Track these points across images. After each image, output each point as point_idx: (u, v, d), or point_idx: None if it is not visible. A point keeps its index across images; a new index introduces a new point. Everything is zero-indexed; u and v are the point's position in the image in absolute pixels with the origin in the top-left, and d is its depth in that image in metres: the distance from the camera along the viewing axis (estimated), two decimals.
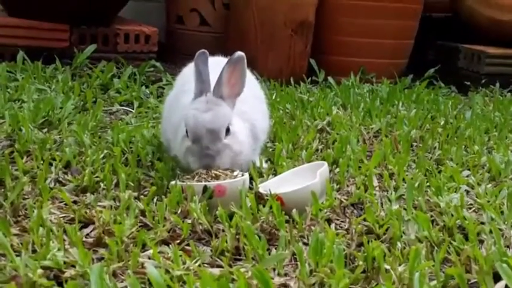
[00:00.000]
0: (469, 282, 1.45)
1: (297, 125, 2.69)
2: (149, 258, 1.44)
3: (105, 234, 1.54)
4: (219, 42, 4.10)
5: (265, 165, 2.15)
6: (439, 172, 2.25)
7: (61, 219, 1.64)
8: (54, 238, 1.47)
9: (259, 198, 1.80)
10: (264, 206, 1.73)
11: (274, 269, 1.45)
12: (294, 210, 1.70)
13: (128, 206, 1.69)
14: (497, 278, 1.40)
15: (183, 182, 1.78)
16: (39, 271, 1.30)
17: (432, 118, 3.18)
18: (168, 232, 1.60)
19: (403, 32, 4.33)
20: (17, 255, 1.36)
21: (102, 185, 1.89)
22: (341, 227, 1.77)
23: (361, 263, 1.44)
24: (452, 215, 1.79)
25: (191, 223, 1.63)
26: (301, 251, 1.43)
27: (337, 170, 2.19)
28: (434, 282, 1.40)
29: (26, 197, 1.76)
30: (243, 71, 1.93)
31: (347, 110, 3.23)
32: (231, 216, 1.66)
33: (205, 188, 1.73)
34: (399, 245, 1.60)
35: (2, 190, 1.78)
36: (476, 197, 2.03)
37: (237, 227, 1.60)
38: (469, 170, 2.33)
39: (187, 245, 1.54)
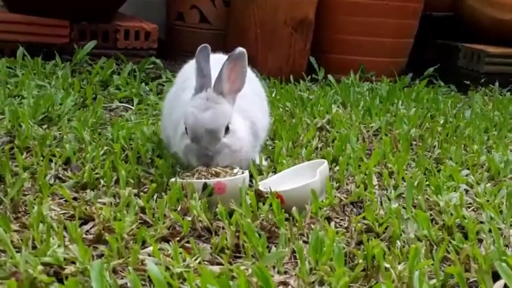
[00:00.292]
0: (468, 281, 1.45)
1: (296, 123, 2.69)
2: (149, 255, 1.44)
3: (105, 231, 1.54)
4: (219, 40, 4.09)
5: (265, 163, 2.15)
6: (439, 171, 2.26)
7: (61, 215, 1.64)
8: (54, 234, 1.47)
9: (259, 196, 1.81)
10: (264, 204, 1.73)
11: (274, 267, 1.45)
12: (294, 208, 1.71)
13: (128, 203, 1.69)
14: (496, 277, 1.41)
15: (183, 179, 1.78)
16: (40, 267, 1.30)
17: (432, 117, 3.18)
18: (168, 229, 1.60)
19: (403, 30, 4.33)
20: (17, 252, 1.36)
21: (102, 181, 1.89)
22: (341, 225, 1.77)
23: (360, 261, 1.45)
24: (451, 214, 1.79)
25: (191, 220, 1.63)
26: (301, 249, 1.43)
27: (337, 168, 2.19)
28: (434, 281, 1.41)
29: (26, 193, 1.76)
30: (243, 67, 1.93)
31: (347, 108, 3.23)
32: (231, 213, 1.67)
33: (205, 186, 1.73)
34: (399, 243, 1.60)
35: (2, 186, 1.78)
36: (476, 196, 2.03)
37: (237, 224, 1.60)
38: (468, 169, 2.33)
39: (187, 242, 1.55)
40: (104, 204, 1.73)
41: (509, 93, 4.16)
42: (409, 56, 4.46)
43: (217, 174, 1.81)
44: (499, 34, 4.44)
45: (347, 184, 2.09)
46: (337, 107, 3.19)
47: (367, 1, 4.14)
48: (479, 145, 2.64)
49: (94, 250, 1.47)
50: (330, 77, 3.96)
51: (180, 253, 1.44)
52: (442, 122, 3.06)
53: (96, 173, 1.95)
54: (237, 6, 4.02)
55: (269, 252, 1.50)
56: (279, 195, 1.76)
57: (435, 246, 1.61)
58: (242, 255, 1.51)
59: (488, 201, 1.97)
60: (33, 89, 2.85)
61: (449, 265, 1.54)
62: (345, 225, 1.76)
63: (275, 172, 2.08)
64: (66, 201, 1.74)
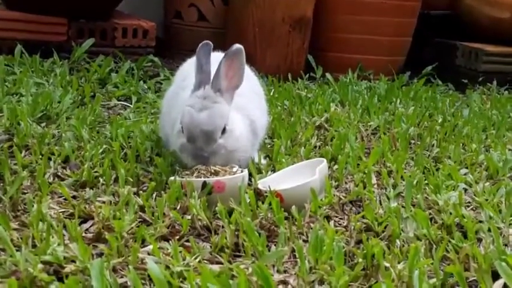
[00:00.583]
0: (468, 280, 1.46)
1: (295, 122, 2.70)
2: (149, 254, 1.44)
3: (104, 229, 1.54)
4: (218, 38, 4.06)
5: (264, 161, 2.15)
6: (437, 170, 2.26)
7: (60, 214, 1.64)
8: (54, 233, 1.47)
9: (259, 195, 1.81)
10: (263, 203, 1.73)
11: (273, 266, 1.45)
12: (293, 207, 1.71)
13: (127, 201, 1.69)
14: (495, 276, 1.41)
15: (182, 177, 1.78)
16: (40, 266, 1.30)
17: (430, 116, 3.18)
18: (168, 228, 1.60)
19: (401, 29, 4.33)
20: (17, 250, 1.36)
21: (101, 180, 1.89)
22: (340, 224, 1.77)
23: (360, 260, 1.45)
24: (450, 213, 1.80)
25: (190, 219, 1.63)
26: (301, 248, 1.43)
27: (336, 167, 2.20)
28: (434, 280, 1.41)
29: (25, 191, 1.76)
30: (241, 64, 1.92)
31: (345, 106, 3.23)
32: (230, 212, 1.67)
33: (204, 184, 1.73)
34: (398, 242, 1.61)
35: (1, 184, 1.78)
36: (475, 195, 2.04)
37: (236, 223, 1.60)
38: (467, 168, 2.34)
39: (187, 241, 1.55)
40: (103, 202, 1.73)
41: (507, 92, 4.17)
42: (407, 54, 4.47)
43: (216, 173, 1.81)
44: (497, 33, 4.45)
45: (346, 183, 2.09)
46: (336, 105, 3.19)
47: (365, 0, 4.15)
48: (478, 144, 2.64)
49: (94, 249, 1.47)
50: (328, 75, 3.96)
51: (180, 252, 1.44)
52: (440, 120, 3.06)
53: (95, 172, 1.95)
54: (236, 5, 4.02)
55: (269, 251, 1.50)
56: (279, 194, 1.76)
57: (434, 246, 1.62)
58: (242, 254, 1.51)
59: (487, 200, 1.97)
60: (31, 86, 2.85)
61: (449, 264, 1.54)
62: (344, 224, 1.76)
63: (274, 171, 2.08)
64: (65, 199, 1.74)
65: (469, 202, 2.00)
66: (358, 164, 2.22)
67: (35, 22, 3.52)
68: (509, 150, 2.63)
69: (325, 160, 1.98)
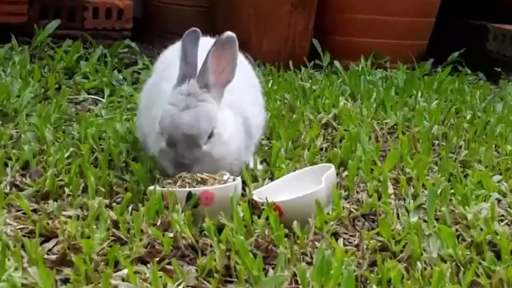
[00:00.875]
0: None
1: (297, 119, 2.69)
2: (123, 279, 1.44)
3: (70, 250, 1.53)
4: (205, 19, 4.08)
5: (260, 167, 2.14)
6: (466, 177, 2.26)
7: (18, 231, 1.62)
8: (10, 255, 1.46)
9: (254, 208, 1.80)
10: (259, 217, 1.72)
11: None
12: (295, 223, 1.70)
13: (97, 215, 1.68)
14: None
15: (164, 187, 1.77)
16: None
17: (457, 111, 3.19)
18: (146, 248, 1.59)
19: (422, 8, 4.34)
20: None
21: (67, 190, 1.88)
22: (350, 243, 1.77)
23: (374, 286, 1.44)
24: (481, 229, 1.79)
25: (173, 237, 1.62)
26: (304, 272, 1.42)
27: (345, 173, 2.19)
28: None
29: None
30: (233, 55, 1.92)
31: (356, 101, 3.24)
32: (220, 229, 1.66)
33: (189, 195, 1.72)
34: (419, 265, 1.60)
35: None
36: (510, 208, 2.03)
37: (227, 242, 1.59)
38: (500, 174, 2.34)
39: (169, 263, 1.54)
40: (70, 217, 1.71)
41: None
42: (430, 38, 4.47)
43: (204, 182, 1.80)
44: None
45: (357, 193, 2.09)
46: (345, 99, 3.19)
47: None
48: None
49: (58, 273, 1.46)
50: (336, 63, 3.96)
51: (160, 277, 1.43)
52: (469, 117, 3.06)
53: (60, 180, 1.95)
54: None
55: (266, 275, 1.50)
56: (277, 207, 1.75)
57: (462, 268, 1.61)
58: (234, 280, 1.50)
59: None
60: None
61: None
62: (356, 243, 1.76)
63: (272, 179, 2.07)
64: (24, 213, 1.73)
65: (503, 215, 2.00)
66: (372, 170, 2.21)
67: None
68: None
69: (332, 166, 1.98)
